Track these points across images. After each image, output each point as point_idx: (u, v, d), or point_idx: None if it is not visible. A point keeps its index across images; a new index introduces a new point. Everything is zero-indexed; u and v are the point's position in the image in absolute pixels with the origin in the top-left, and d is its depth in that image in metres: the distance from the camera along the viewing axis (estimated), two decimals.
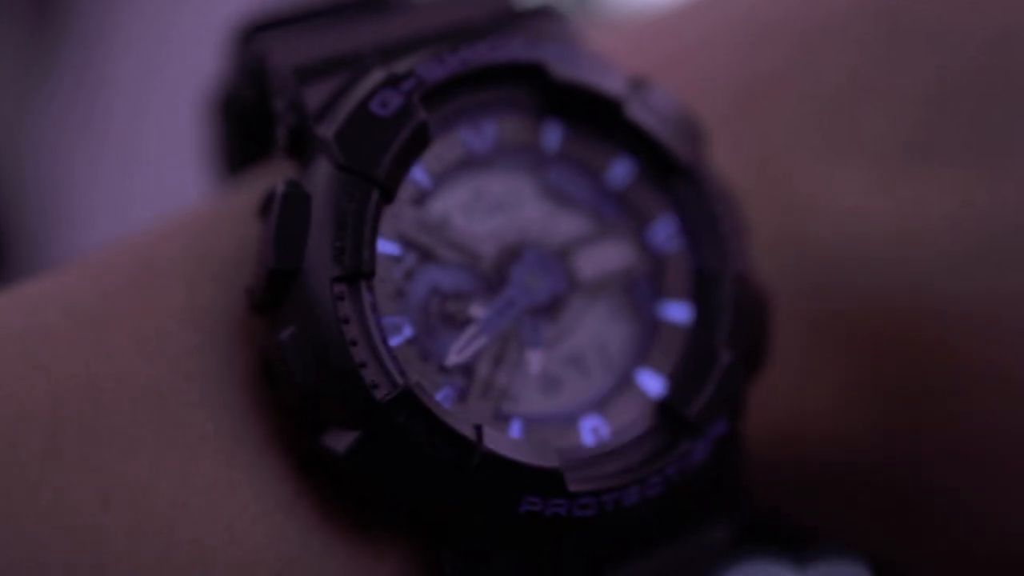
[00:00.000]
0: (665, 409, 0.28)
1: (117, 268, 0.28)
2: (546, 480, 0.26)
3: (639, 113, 0.29)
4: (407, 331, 0.27)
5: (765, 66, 0.33)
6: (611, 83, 0.28)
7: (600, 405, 0.28)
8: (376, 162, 0.26)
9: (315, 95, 0.27)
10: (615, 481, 0.26)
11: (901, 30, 0.33)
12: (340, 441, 0.25)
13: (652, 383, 0.28)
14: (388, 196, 0.26)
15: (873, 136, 0.32)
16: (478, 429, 0.26)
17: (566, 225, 0.29)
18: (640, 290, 0.29)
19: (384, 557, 0.27)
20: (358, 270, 0.26)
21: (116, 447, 0.25)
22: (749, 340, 0.29)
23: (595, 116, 0.29)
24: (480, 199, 0.28)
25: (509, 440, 0.26)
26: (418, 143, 0.27)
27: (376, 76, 0.27)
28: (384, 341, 0.26)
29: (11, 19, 0.57)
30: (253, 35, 0.29)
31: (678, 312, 0.29)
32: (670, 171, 0.29)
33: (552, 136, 0.29)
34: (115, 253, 0.29)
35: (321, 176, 0.26)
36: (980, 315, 0.31)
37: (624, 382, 0.28)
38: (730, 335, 0.28)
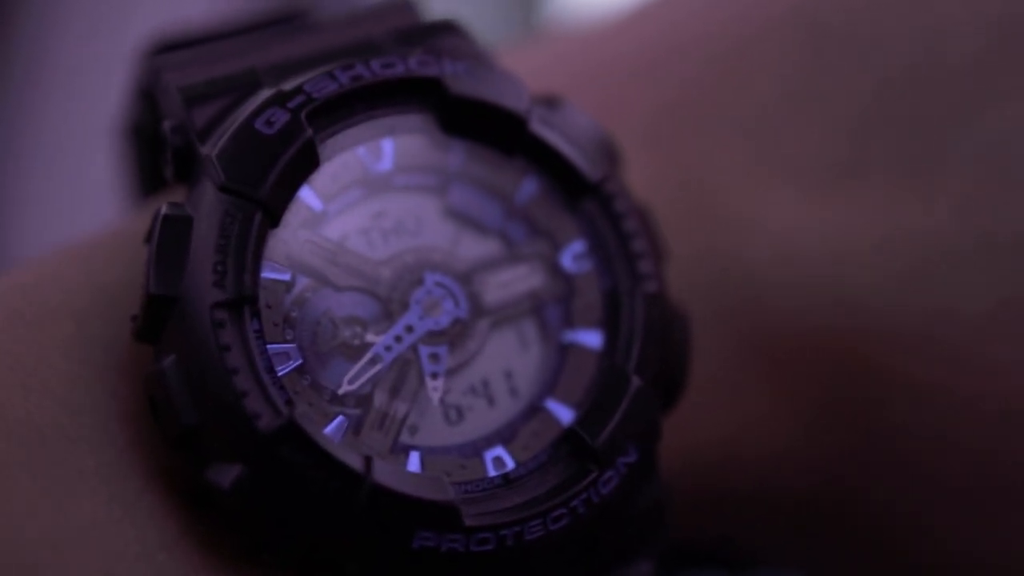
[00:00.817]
0: (572, 438, 0.26)
1: (5, 312, 0.27)
2: (440, 514, 0.24)
3: (543, 129, 0.27)
4: (296, 359, 0.25)
5: (686, 83, 0.32)
6: (513, 98, 0.27)
7: (505, 435, 0.27)
8: (259, 182, 0.25)
9: (202, 115, 0.26)
10: (515, 515, 0.25)
11: (826, 42, 0.32)
12: (224, 476, 0.24)
13: (561, 412, 0.27)
14: (273, 218, 0.25)
15: (800, 153, 0.31)
16: (368, 461, 0.24)
17: (470, 249, 0.27)
18: (550, 314, 0.28)
19: None
20: (240, 295, 0.24)
21: None
22: (663, 364, 0.27)
23: (498, 134, 0.27)
24: (379, 222, 0.27)
25: (401, 472, 0.25)
26: (305, 162, 0.26)
27: (264, 94, 0.26)
28: (270, 370, 0.25)
29: None
30: (151, 57, 0.28)
31: (589, 338, 0.28)
32: (579, 190, 0.28)
33: (454, 156, 0.28)
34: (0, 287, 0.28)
35: (204, 198, 0.25)
36: (911, 332, 0.30)
37: (531, 411, 0.27)
38: (641, 360, 0.27)
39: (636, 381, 0.26)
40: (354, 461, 0.24)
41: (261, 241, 0.25)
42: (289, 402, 0.24)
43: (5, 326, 0.26)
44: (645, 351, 0.27)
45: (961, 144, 0.31)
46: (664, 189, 0.31)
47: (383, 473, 0.24)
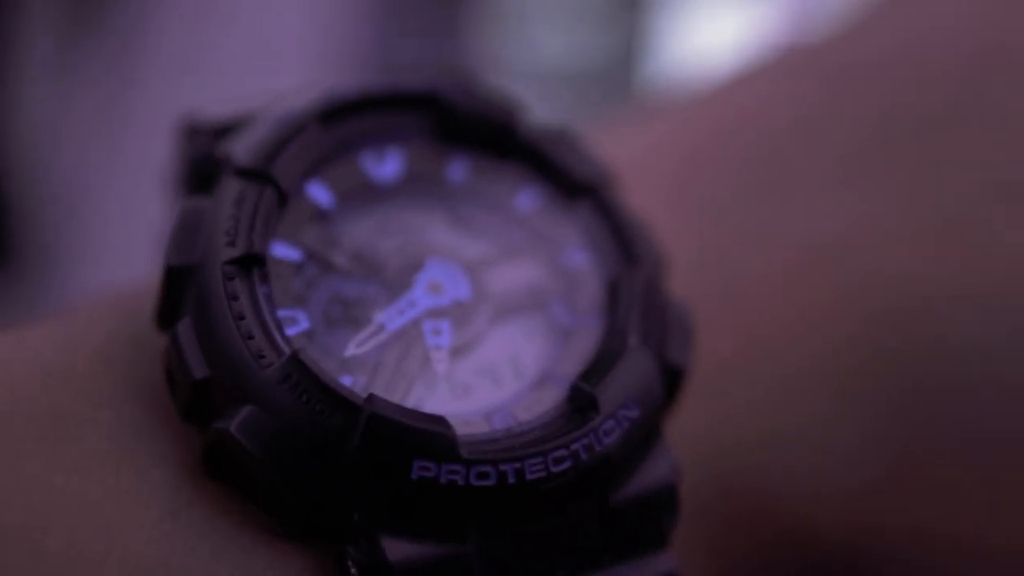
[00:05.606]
0: (574, 396, 0.27)
1: (44, 330, 0.29)
2: (438, 443, 0.25)
3: (532, 134, 0.30)
4: (304, 323, 0.27)
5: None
6: (502, 112, 0.30)
7: (511, 404, 0.27)
8: (269, 161, 0.27)
9: (226, 137, 0.29)
10: (514, 452, 0.25)
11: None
12: (230, 420, 0.25)
13: (564, 383, 0.27)
14: (282, 194, 0.27)
15: None
16: (370, 396, 0.25)
17: (476, 248, 0.29)
18: (554, 309, 0.29)
19: (285, 564, 0.26)
20: (249, 254, 0.26)
21: None
22: (663, 342, 0.28)
23: (493, 144, 0.30)
24: (388, 225, 0.29)
25: (399, 406, 0.25)
26: (313, 151, 0.28)
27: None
28: (279, 326, 0.26)
29: (43, 22, 0.58)
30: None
31: (591, 322, 0.29)
32: (573, 191, 0.30)
33: (457, 169, 0.30)
34: (49, 318, 0.30)
35: (219, 188, 0.27)
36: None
37: (537, 384, 0.28)
38: (637, 326, 0.28)
39: (633, 340, 0.27)
40: (356, 396, 0.25)
41: (272, 212, 0.27)
42: (290, 343, 0.26)
43: (42, 346, 0.28)
44: (641, 319, 0.28)
45: None
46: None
47: (382, 405, 0.25)
